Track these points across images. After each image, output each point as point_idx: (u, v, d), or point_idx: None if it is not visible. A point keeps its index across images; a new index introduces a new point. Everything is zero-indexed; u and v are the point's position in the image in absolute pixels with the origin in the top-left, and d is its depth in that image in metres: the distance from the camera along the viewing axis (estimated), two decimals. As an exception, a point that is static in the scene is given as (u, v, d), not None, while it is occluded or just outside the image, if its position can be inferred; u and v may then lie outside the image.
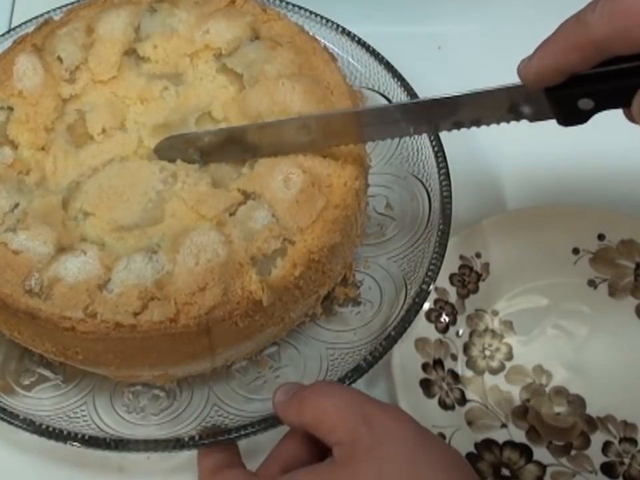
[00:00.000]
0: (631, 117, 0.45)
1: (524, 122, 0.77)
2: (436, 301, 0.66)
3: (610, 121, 0.50)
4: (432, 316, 0.66)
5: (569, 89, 0.46)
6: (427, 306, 0.65)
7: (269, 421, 0.57)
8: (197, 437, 0.57)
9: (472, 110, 0.52)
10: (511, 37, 0.84)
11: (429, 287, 0.61)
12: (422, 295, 0.61)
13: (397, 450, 0.46)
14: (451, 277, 0.67)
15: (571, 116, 0.48)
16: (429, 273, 0.61)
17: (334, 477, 0.46)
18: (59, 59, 0.63)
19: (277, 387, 0.54)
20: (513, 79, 0.80)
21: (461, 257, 0.68)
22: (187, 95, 0.63)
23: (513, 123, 0.77)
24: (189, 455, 0.59)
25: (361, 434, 0.46)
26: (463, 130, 0.77)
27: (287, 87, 0.60)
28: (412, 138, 0.69)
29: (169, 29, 0.64)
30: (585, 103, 0.46)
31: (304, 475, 0.48)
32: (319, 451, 0.51)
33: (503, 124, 0.53)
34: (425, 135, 0.67)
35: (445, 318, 0.66)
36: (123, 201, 0.58)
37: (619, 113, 0.49)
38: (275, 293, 0.55)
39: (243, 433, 0.57)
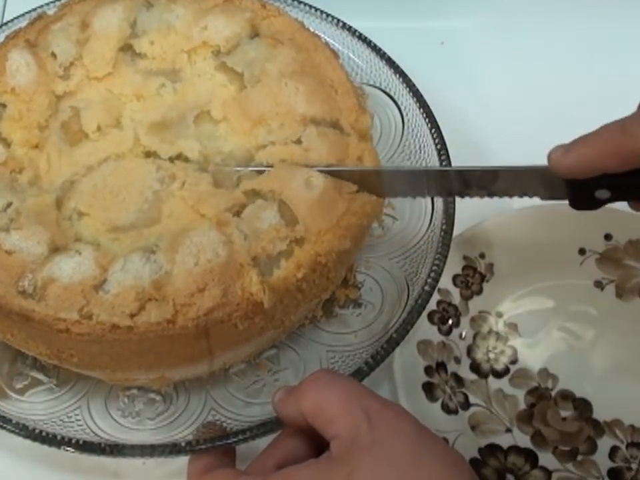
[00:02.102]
0: (635, 208, 0.50)
1: (529, 122, 0.77)
2: (439, 303, 0.65)
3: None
4: (435, 318, 0.65)
5: (590, 180, 0.48)
6: (429, 307, 0.64)
7: (268, 426, 0.56)
8: (193, 442, 0.56)
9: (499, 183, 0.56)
10: (514, 33, 0.84)
11: (431, 288, 0.60)
12: (424, 297, 0.60)
13: (396, 448, 0.46)
14: (454, 278, 0.66)
15: (586, 202, 0.51)
16: (432, 274, 0.60)
17: (331, 472, 0.46)
18: (53, 54, 0.63)
19: (277, 389, 0.53)
20: (515, 75, 0.81)
21: (465, 258, 0.67)
22: (184, 91, 0.62)
23: (517, 122, 0.77)
24: (185, 461, 0.57)
25: (361, 430, 0.46)
26: (466, 129, 0.77)
27: (291, 87, 0.60)
28: (413, 135, 0.68)
29: (166, 24, 0.64)
30: (601, 193, 0.49)
31: (300, 471, 0.47)
32: (315, 448, 0.50)
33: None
34: (427, 133, 0.67)
35: (448, 320, 0.65)
36: (118, 201, 0.57)
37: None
38: (275, 295, 0.54)
39: (241, 437, 0.56)
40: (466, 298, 0.66)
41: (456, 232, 0.63)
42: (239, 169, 0.59)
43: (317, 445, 0.50)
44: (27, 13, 0.73)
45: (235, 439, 0.56)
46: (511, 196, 0.56)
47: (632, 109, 0.54)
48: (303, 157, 0.58)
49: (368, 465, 0.45)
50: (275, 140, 0.59)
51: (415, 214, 0.66)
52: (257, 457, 0.52)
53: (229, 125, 0.61)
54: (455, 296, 0.66)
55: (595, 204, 0.51)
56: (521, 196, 0.55)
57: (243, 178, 0.58)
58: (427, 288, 0.60)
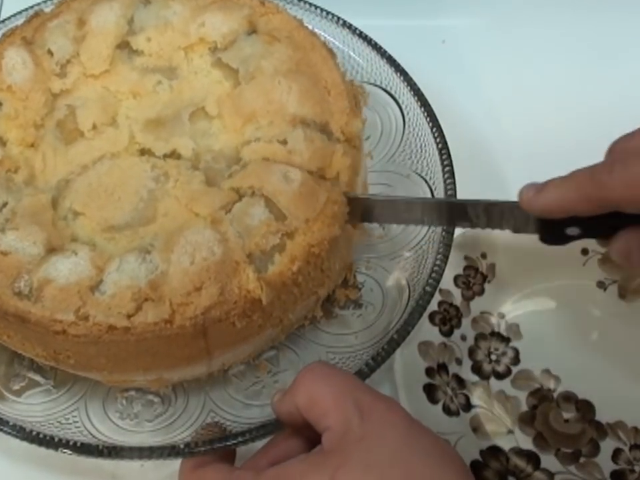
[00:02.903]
0: (603, 245, 0.53)
1: (531, 121, 0.77)
2: (440, 303, 0.65)
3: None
4: (436, 319, 0.64)
5: (561, 218, 0.50)
6: (430, 308, 0.63)
7: (268, 427, 0.55)
8: (192, 444, 0.55)
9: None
10: (515, 31, 0.84)
11: (433, 288, 0.59)
12: (426, 297, 0.59)
13: (387, 440, 0.46)
14: (456, 279, 0.66)
15: (555, 238, 0.53)
16: (433, 275, 0.60)
17: (323, 465, 0.46)
18: (50, 52, 0.63)
19: (276, 391, 0.53)
20: (516, 74, 0.81)
21: (466, 258, 0.67)
22: (181, 89, 0.62)
23: (518, 120, 0.77)
24: (184, 463, 0.57)
25: (353, 423, 0.46)
26: (467, 127, 0.77)
27: (284, 86, 0.59)
28: (414, 134, 0.68)
29: (163, 21, 0.64)
30: (572, 230, 0.52)
31: (293, 465, 0.48)
32: (310, 447, 0.50)
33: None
34: (428, 132, 0.66)
35: (449, 321, 0.65)
36: (113, 200, 0.57)
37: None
38: (273, 290, 0.54)
39: (240, 439, 0.55)
40: (467, 299, 0.66)
41: (457, 232, 0.62)
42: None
43: (313, 445, 0.50)
44: (23, 10, 0.73)
45: (234, 441, 0.55)
46: (482, 227, 0.58)
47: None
48: (285, 158, 0.57)
49: (358, 456, 0.45)
50: (261, 137, 0.59)
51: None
52: (251, 455, 0.52)
53: (222, 123, 0.61)
54: (457, 296, 0.66)
55: (565, 240, 0.53)
56: (493, 228, 0.57)
57: (232, 175, 0.58)
58: (428, 288, 0.59)
